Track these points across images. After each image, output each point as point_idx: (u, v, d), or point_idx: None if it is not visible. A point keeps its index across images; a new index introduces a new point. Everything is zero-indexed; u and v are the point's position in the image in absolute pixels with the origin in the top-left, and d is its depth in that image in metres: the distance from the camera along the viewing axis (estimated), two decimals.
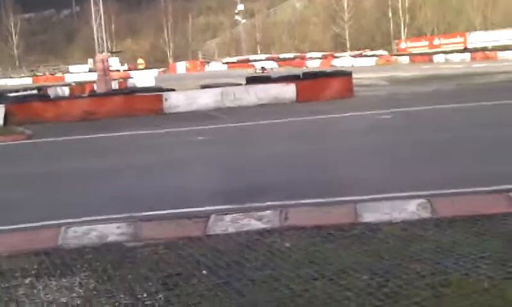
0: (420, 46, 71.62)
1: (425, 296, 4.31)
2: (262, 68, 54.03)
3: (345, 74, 23.33)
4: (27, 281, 5.17)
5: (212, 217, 6.71)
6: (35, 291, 4.93)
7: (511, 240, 5.37)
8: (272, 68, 58.28)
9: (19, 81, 68.06)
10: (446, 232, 5.75)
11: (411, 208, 6.59)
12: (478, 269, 4.76)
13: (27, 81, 67.59)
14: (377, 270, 4.87)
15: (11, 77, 75.74)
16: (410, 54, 66.78)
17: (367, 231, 5.96)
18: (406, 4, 78.32)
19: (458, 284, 4.50)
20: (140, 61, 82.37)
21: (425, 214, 6.42)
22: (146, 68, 75.75)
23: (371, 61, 64.31)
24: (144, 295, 4.67)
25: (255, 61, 77.65)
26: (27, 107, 20.06)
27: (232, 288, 4.70)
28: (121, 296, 4.69)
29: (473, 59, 56.65)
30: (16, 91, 30.74)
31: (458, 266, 4.86)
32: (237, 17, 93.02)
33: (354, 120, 15.84)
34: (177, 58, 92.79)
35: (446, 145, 10.62)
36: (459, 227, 5.85)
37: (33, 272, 5.39)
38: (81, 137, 15.67)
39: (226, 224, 6.53)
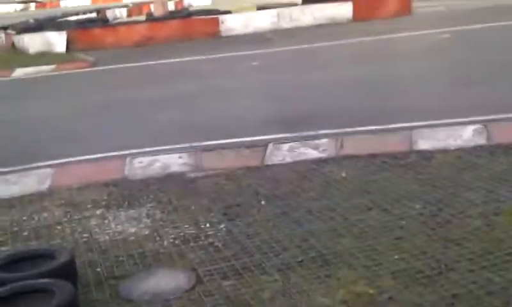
0: None
1: (477, 225, 4.42)
2: None
3: None
4: (98, 212, 5.51)
5: (270, 146, 6.88)
6: (106, 221, 5.27)
7: None
8: None
9: (78, 2, 68.40)
10: (500, 159, 5.80)
11: (466, 135, 6.61)
12: None
13: (86, 2, 67.90)
14: (430, 199, 5.01)
15: None
16: None
17: (422, 159, 6.07)
18: None
19: (510, 212, 4.59)
20: None
21: (481, 141, 6.44)
22: None
23: None
24: (207, 225, 4.94)
25: None
26: (87, 34, 20.39)
27: (290, 218, 4.92)
28: (186, 226, 4.97)
29: None
30: (76, 14, 31.09)
31: (511, 194, 4.93)
32: None
33: (412, 41, 15.54)
34: None
35: (505, 67, 10.35)
36: None
37: (103, 203, 5.73)
38: (142, 63, 15.88)
39: (284, 153, 6.71)
